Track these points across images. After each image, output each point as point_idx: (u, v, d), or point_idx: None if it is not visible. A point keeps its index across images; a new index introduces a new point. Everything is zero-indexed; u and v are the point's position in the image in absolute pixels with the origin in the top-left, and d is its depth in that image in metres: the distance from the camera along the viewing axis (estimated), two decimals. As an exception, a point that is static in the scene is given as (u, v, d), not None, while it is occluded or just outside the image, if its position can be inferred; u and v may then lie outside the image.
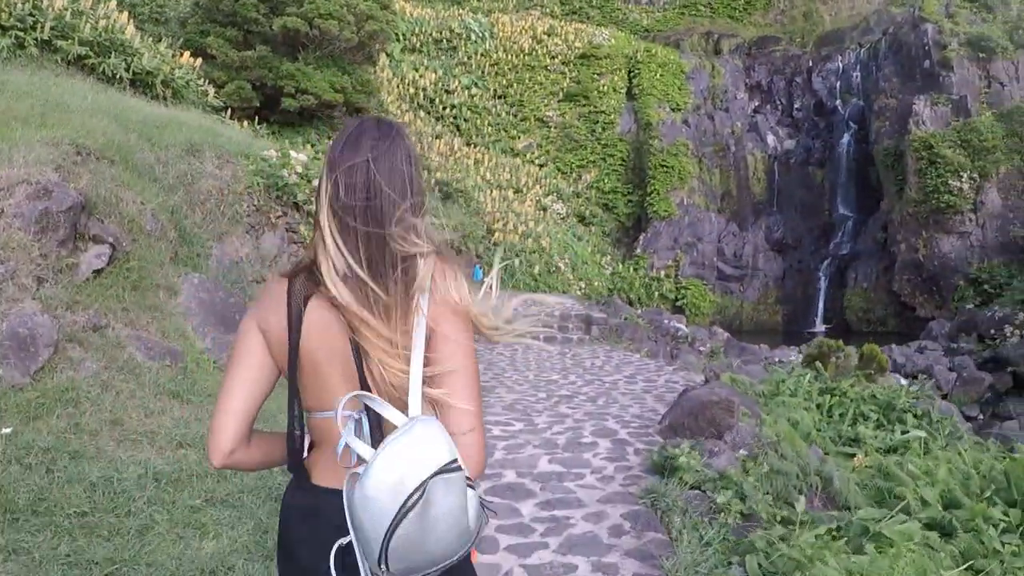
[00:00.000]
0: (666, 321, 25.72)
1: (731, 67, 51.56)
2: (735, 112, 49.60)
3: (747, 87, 51.38)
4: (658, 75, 48.80)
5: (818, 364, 15.74)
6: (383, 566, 1.90)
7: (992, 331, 28.02)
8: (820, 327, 42.14)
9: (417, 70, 46.94)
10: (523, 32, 50.78)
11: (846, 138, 46.64)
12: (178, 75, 19.93)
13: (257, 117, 26.80)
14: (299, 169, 15.41)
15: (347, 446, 2.01)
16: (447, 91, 46.86)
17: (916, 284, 39.08)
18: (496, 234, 35.99)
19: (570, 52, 49.64)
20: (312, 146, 30.52)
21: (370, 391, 2.07)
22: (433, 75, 46.93)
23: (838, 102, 48.49)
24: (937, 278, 38.24)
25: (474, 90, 47.64)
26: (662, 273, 42.51)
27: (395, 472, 1.88)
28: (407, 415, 2.02)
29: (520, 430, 10.13)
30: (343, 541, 1.99)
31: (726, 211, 47.07)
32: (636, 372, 16.44)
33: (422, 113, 44.93)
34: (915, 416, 13.49)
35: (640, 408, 12.08)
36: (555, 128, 47.52)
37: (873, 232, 43.22)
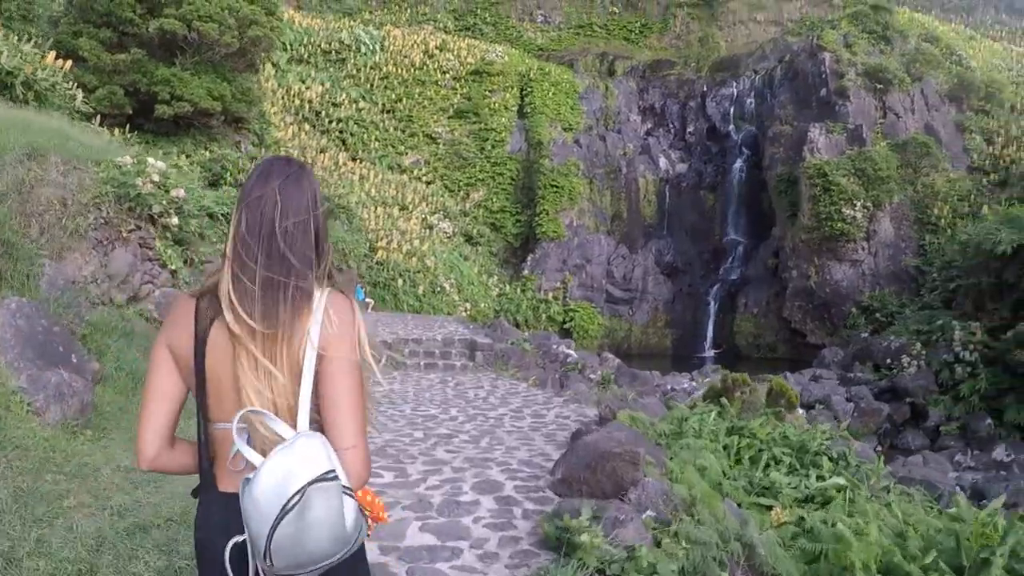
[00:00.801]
0: (554, 346, 24.39)
1: (625, 89, 50.97)
2: (628, 134, 48.93)
3: (640, 109, 50.84)
4: (551, 94, 47.82)
5: (723, 400, 14.52)
6: (267, 561, 2.17)
7: (888, 360, 27.41)
8: (709, 352, 41.57)
9: (304, 81, 45.21)
10: (415, 46, 49.36)
11: (738, 163, 46.34)
12: (41, 76, 17.91)
13: (129, 125, 25.27)
14: (156, 178, 13.68)
15: (238, 452, 2.32)
16: (334, 104, 45.10)
17: (807, 311, 38.68)
18: (379, 252, 34.48)
19: (462, 68, 48.40)
20: (188, 157, 28.66)
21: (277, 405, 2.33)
22: (320, 87, 45.21)
23: (731, 127, 48.26)
24: (828, 305, 37.89)
25: (362, 104, 45.94)
26: (550, 295, 41.31)
27: (279, 478, 2.14)
28: (295, 430, 2.30)
29: (390, 483, 8.60)
30: (238, 539, 2.28)
31: (616, 233, 46.23)
32: (523, 404, 15.06)
33: (307, 126, 43.11)
34: (831, 460, 12.36)
35: (528, 452, 10.70)
36: (444, 145, 46.08)
37: (764, 258, 42.84)
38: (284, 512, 2.11)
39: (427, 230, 39.92)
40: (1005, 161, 39.92)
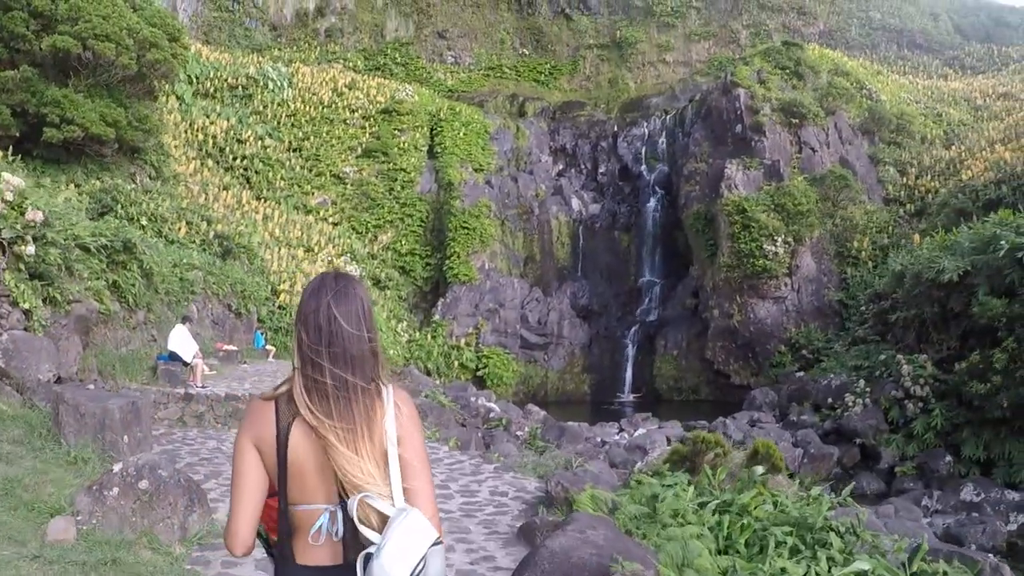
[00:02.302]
0: (474, 399, 21.05)
1: (536, 129, 48.15)
2: (539, 175, 45.93)
3: (551, 150, 48.06)
4: (461, 134, 44.64)
5: (706, 469, 11.21)
6: None
7: (830, 400, 24.47)
8: (628, 396, 38.38)
9: (208, 116, 41.32)
10: (324, 84, 45.95)
11: (652, 203, 43.75)
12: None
13: (14, 148, 22.21)
14: (9, 196, 10.30)
15: (320, 528, 2.70)
16: (239, 140, 41.23)
17: (730, 351, 35.82)
18: (282, 295, 30.62)
19: (371, 106, 45.01)
20: (77, 187, 24.82)
21: (345, 493, 2.68)
22: (226, 123, 41.36)
23: (643, 167, 45.77)
24: (752, 344, 35.10)
25: (268, 141, 42.13)
26: (462, 341, 37.69)
27: (402, 547, 2.53)
28: (389, 504, 2.66)
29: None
30: None
31: (529, 276, 43.04)
32: (449, 477, 11.73)
33: (211, 162, 39.17)
34: (839, 535, 9.09)
35: (467, 554, 7.64)
36: (352, 185, 42.36)
37: (683, 298, 40.03)
38: (414, 573, 2.50)
39: (333, 273, 36.07)
40: (920, 192, 38.13)
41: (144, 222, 25.56)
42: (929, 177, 38.39)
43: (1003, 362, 19.65)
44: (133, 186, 27.24)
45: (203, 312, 24.18)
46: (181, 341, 17.74)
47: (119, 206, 24.69)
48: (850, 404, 23.24)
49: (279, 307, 30.41)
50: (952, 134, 42.35)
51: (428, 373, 33.99)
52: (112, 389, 15.31)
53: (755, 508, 9.48)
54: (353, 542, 2.66)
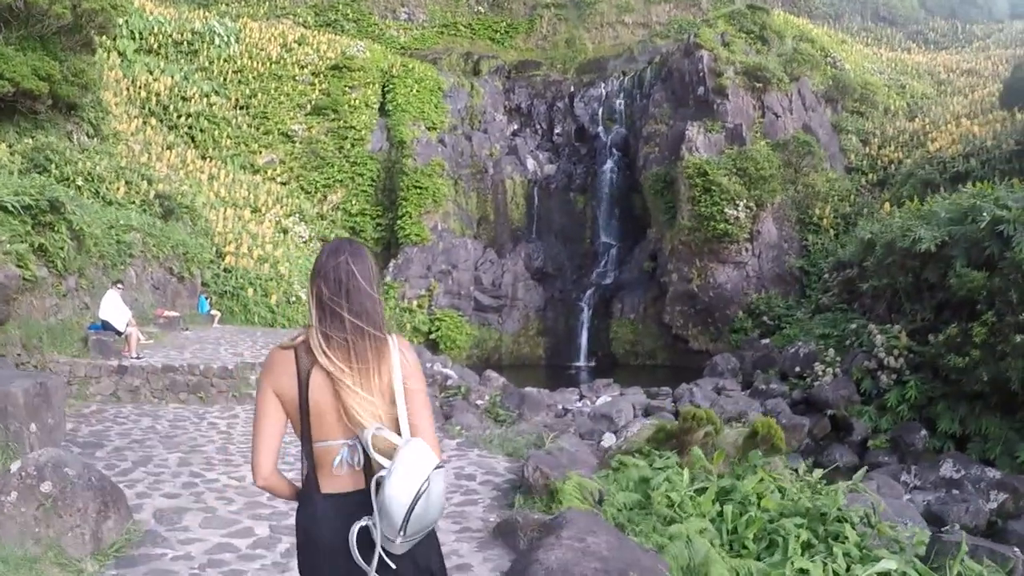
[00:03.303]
0: (429, 365, 19.62)
1: (491, 88, 46.50)
2: (494, 134, 44.38)
3: (506, 109, 46.45)
4: (414, 91, 42.83)
5: (696, 450, 10.09)
6: (402, 532, 2.82)
7: (798, 369, 23.49)
8: (584, 362, 37.27)
9: (152, 73, 39.02)
10: (272, 39, 43.70)
11: (609, 164, 42.44)
12: None
13: None
14: None
15: (341, 460, 3.02)
16: (184, 98, 38.96)
17: (689, 316, 34.73)
18: (228, 258, 29.07)
19: (321, 63, 42.92)
20: (9, 147, 23.01)
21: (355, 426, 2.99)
22: (170, 79, 39.03)
23: (600, 129, 44.40)
24: (712, 309, 34.04)
25: (214, 98, 39.96)
26: (414, 303, 36.30)
27: (408, 471, 2.83)
28: (400, 436, 2.98)
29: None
30: (361, 523, 2.91)
31: (483, 237, 41.58)
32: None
33: (153, 121, 36.93)
34: (852, 526, 8.09)
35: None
36: (300, 143, 40.44)
37: (640, 261, 38.88)
38: (419, 495, 2.80)
39: (281, 234, 34.46)
40: (883, 162, 37.33)
41: (80, 182, 23.82)
42: (892, 148, 37.58)
43: (982, 336, 18.82)
44: (69, 144, 25.47)
45: (142, 276, 22.57)
46: (113, 308, 16.17)
47: (53, 165, 22.99)
48: (820, 373, 22.25)
49: (224, 270, 28.82)
50: (915, 106, 41.53)
51: (378, 336, 32.64)
52: (39, 364, 13.84)
53: (762, 498, 8.40)
54: (371, 470, 2.96)
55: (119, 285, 17.17)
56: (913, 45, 54.15)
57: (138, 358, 15.41)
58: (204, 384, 14.86)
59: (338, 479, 3.03)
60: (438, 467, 2.91)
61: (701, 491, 8.73)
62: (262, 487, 3.16)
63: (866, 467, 13.55)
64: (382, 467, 2.90)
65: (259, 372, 3.50)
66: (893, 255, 23.17)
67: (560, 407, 21.20)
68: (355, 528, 2.90)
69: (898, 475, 17.53)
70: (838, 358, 22.72)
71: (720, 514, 8.19)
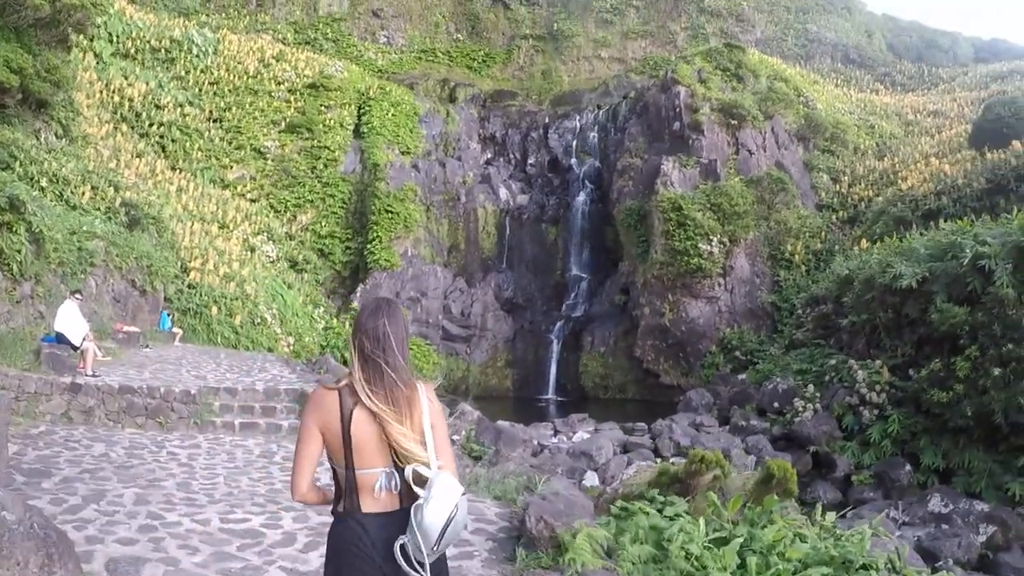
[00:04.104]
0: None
1: (466, 116, 45.54)
2: (468, 162, 43.35)
3: (481, 138, 45.48)
4: (390, 114, 41.71)
5: (712, 496, 8.99)
6: (436, 548, 3.29)
7: (776, 404, 22.58)
8: (553, 395, 36.07)
9: (127, 78, 37.41)
10: (250, 53, 42.33)
11: (582, 196, 41.51)
12: None
13: None
14: None
15: (381, 486, 3.45)
16: (157, 106, 37.37)
17: (661, 350, 33.62)
18: (193, 273, 27.56)
19: (299, 80, 41.64)
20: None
21: (396, 459, 3.44)
22: (144, 86, 37.41)
23: (574, 160, 43.53)
24: (684, 344, 32.96)
25: (188, 108, 38.45)
26: (381, 330, 34.90)
27: (442, 497, 3.30)
28: (430, 468, 3.42)
29: None
30: (402, 539, 3.34)
31: (453, 265, 40.44)
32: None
33: (125, 127, 35.34)
34: (877, 572, 7.09)
35: None
36: (272, 160, 39.03)
37: (611, 294, 37.86)
38: (451, 519, 3.28)
39: (248, 252, 33.02)
40: (853, 199, 36.77)
41: (44, 183, 22.39)
42: (863, 186, 37.10)
43: (966, 370, 18.35)
44: (36, 143, 24.01)
45: (103, 287, 21.15)
46: (69, 320, 14.76)
47: (17, 163, 21.56)
48: (800, 409, 21.35)
49: (189, 286, 27.36)
50: (884, 146, 41.13)
51: (345, 363, 31.16)
52: (-17, 375, 12.47)
53: (787, 548, 7.32)
54: (407, 494, 3.42)
55: (77, 295, 15.73)
56: (881, 87, 53.99)
57: (94, 376, 14.02)
58: (164, 408, 13.46)
59: (378, 500, 3.45)
60: (463, 495, 3.40)
61: (719, 541, 7.65)
62: (298, 501, 3.62)
63: (884, 512, 12.57)
64: (417, 494, 3.35)
65: (304, 407, 3.63)
66: (873, 291, 22.62)
67: (536, 443, 20.00)
68: (398, 544, 3.34)
69: (884, 511, 16.72)
70: (817, 394, 21.88)
71: (741, 566, 7.13)
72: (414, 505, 3.33)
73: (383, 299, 3.70)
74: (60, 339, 14.59)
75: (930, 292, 20.28)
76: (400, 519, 3.40)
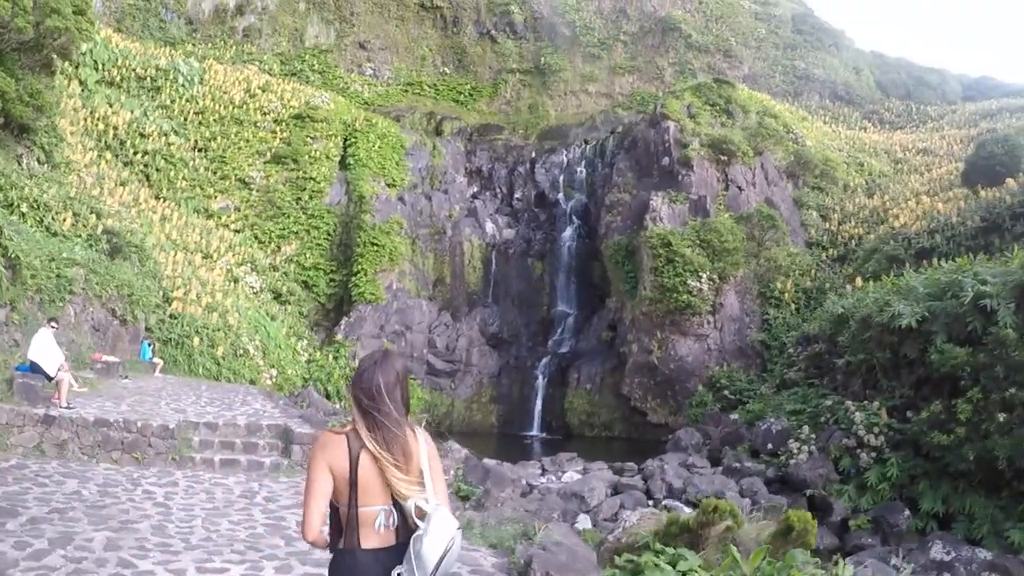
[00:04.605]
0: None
1: (452, 149, 45.13)
2: (454, 195, 42.83)
3: (467, 171, 45.05)
4: (376, 146, 41.20)
5: (733, 550, 8.36)
6: None
7: (770, 445, 21.98)
8: (537, 431, 35.34)
9: (112, 105, 36.75)
10: (236, 83, 41.82)
11: (569, 232, 41.06)
12: None
13: None
14: None
15: (382, 524, 3.65)
16: (142, 134, 36.68)
17: (648, 388, 32.97)
18: (175, 304, 26.83)
19: (284, 111, 41.12)
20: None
21: (395, 498, 3.66)
22: (129, 114, 36.74)
23: (560, 195, 43.10)
24: (672, 382, 32.34)
25: (173, 138, 37.78)
26: (365, 364, 34.04)
27: (439, 531, 3.52)
28: (429, 504, 3.64)
29: None
30: (399, 569, 3.58)
31: (438, 299, 39.76)
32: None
33: (109, 155, 34.71)
34: None
35: None
36: (257, 191, 38.38)
37: (598, 331, 37.26)
38: (447, 550, 3.52)
39: (232, 283, 32.34)
40: (843, 237, 36.34)
41: (24, 208, 21.72)
42: (853, 224, 36.71)
43: (967, 413, 17.80)
44: (16, 168, 23.35)
45: (82, 316, 20.41)
46: (44, 349, 14.02)
47: None
48: (795, 451, 20.72)
49: (171, 316, 26.62)
50: (874, 184, 40.76)
51: (328, 396, 30.57)
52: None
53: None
54: (403, 530, 3.65)
55: (53, 324, 14.98)
56: (869, 124, 53.82)
57: (68, 407, 13.28)
58: (141, 443, 12.73)
59: (376, 536, 3.63)
60: (459, 528, 3.64)
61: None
62: (311, 542, 3.71)
63: (849, 551, 11.93)
64: (416, 528, 3.60)
65: (312, 449, 3.82)
66: (870, 330, 22.12)
67: (524, 482, 19.30)
68: (395, 573, 3.58)
69: (886, 558, 16.21)
70: (813, 435, 21.28)
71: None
72: (413, 536, 3.57)
73: (378, 351, 3.96)
74: (34, 368, 13.85)
75: (929, 332, 19.89)
76: (396, 553, 3.64)
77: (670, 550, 8.69)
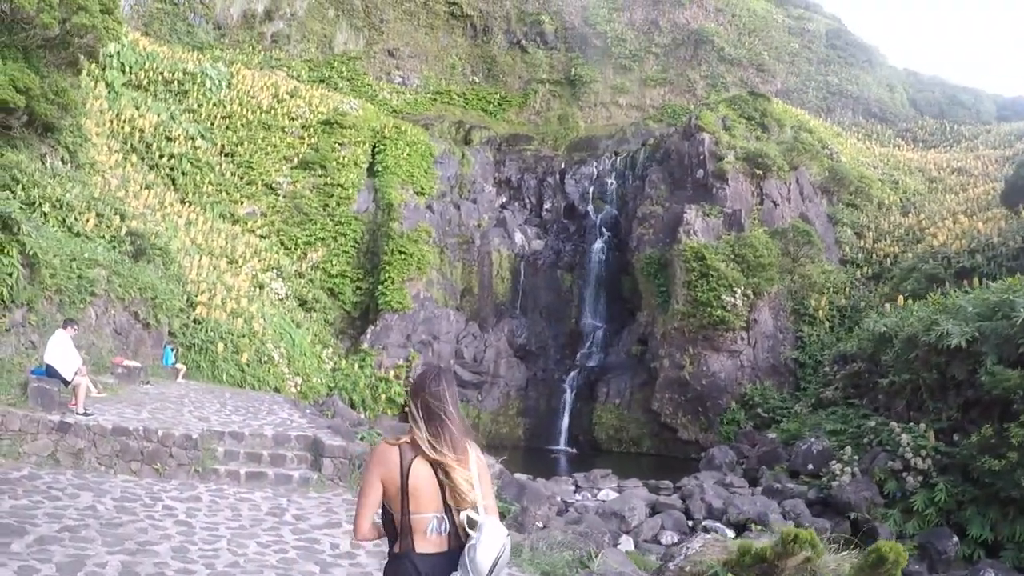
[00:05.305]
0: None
1: (481, 158, 44.40)
2: (483, 205, 42.08)
3: (496, 181, 44.30)
4: (405, 154, 40.53)
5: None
6: None
7: (811, 466, 21.02)
8: (564, 446, 34.38)
9: (138, 108, 36.19)
10: (264, 88, 41.28)
11: (599, 244, 40.17)
12: None
13: None
14: None
15: (434, 529, 3.78)
16: (168, 138, 36.14)
17: (679, 404, 32.01)
18: (199, 308, 26.13)
19: (313, 117, 40.50)
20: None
21: (449, 505, 3.79)
22: (155, 117, 36.15)
23: (590, 207, 42.26)
24: (704, 398, 31.40)
25: (199, 142, 37.24)
26: (391, 373, 33.24)
27: (492, 538, 3.67)
28: (479, 513, 3.77)
29: None
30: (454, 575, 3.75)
31: (466, 309, 38.94)
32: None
33: (135, 157, 34.11)
34: None
35: None
36: (284, 197, 37.73)
37: (627, 345, 36.30)
38: (499, 555, 3.67)
39: (257, 289, 31.64)
40: (879, 255, 35.34)
41: (47, 208, 21.03)
42: (888, 242, 35.77)
43: (1020, 437, 16.78)
44: (40, 167, 22.68)
45: (103, 319, 19.69)
46: (60, 352, 13.22)
47: (19, 186, 20.22)
48: (837, 472, 19.74)
49: (195, 321, 25.90)
50: (908, 202, 39.77)
51: (353, 406, 29.74)
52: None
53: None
54: (454, 536, 3.79)
55: (71, 325, 14.15)
56: (902, 142, 52.76)
57: (85, 414, 12.51)
58: (161, 453, 11.93)
59: (429, 542, 3.78)
60: (508, 535, 3.80)
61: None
62: (359, 540, 4.06)
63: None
64: (468, 535, 3.74)
65: (368, 459, 4.03)
66: (916, 349, 21.08)
67: (559, 499, 18.43)
68: None
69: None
70: (856, 457, 20.26)
71: None
72: (468, 544, 3.70)
73: (436, 366, 4.35)
74: (50, 372, 13.08)
75: (979, 353, 18.91)
76: (447, 559, 3.76)
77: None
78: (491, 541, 3.67)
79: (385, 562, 3.94)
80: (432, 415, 3.84)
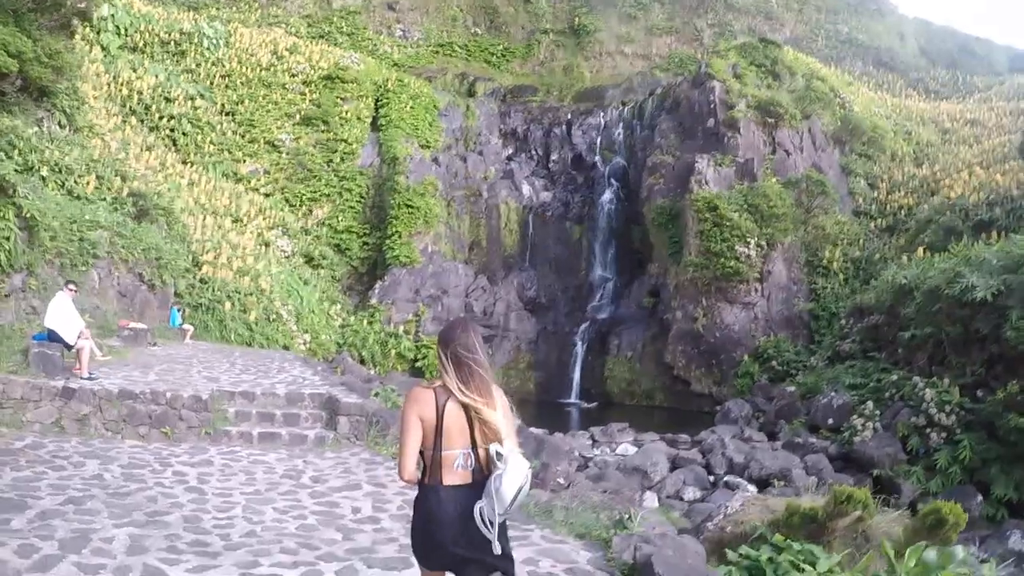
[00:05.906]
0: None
1: (486, 110, 43.57)
2: (489, 157, 41.37)
3: (502, 133, 43.47)
4: (408, 107, 39.74)
5: (886, 545, 7.03)
6: (508, 511, 3.97)
7: (831, 421, 20.55)
8: (576, 399, 33.96)
9: (135, 70, 35.53)
10: (263, 46, 40.45)
11: (608, 195, 39.49)
12: None
13: None
14: None
15: (459, 464, 4.09)
16: (167, 99, 35.47)
17: (692, 356, 31.48)
18: (205, 267, 25.64)
19: (313, 72, 39.69)
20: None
21: (477, 441, 4.10)
22: (153, 79, 35.47)
23: (598, 158, 41.47)
24: (717, 351, 30.88)
25: (199, 102, 36.52)
26: (400, 328, 32.76)
27: (516, 470, 3.95)
28: (504, 447, 4.05)
29: None
30: (480, 504, 3.99)
31: (475, 263, 38.40)
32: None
33: (134, 120, 33.51)
34: None
35: None
36: (287, 154, 37.05)
37: (638, 297, 35.80)
38: (521, 486, 3.94)
39: (263, 247, 31.16)
40: (892, 207, 34.57)
41: (45, 172, 20.44)
42: (902, 193, 35.00)
43: None
44: (37, 132, 22.06)
45: (107, 281, 19.21)
46: (61, 314, 12.71)
47: (16, 151, 19.63)
48: (859, 428, 19.25)
49: (201, 280, 25.44)
50: (921, 153, 38.96)
51: (362, 362, 29.38)
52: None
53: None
54: (477, 471, 4.10)
55: (71, 287, 13.54)
56: (914, 92, 51.72)
57: (90, 378, 12.05)
58: (170, 416, 11.47)
59: (455, 475, 4.08)
60: (531, 467, 4.07)
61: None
62: (407, 481, 4.17)
63: None
64: (485, 472, 4.09)
65: (404, 402, 4.21)
66: (938, 302, 20.39)
67: (578, 454, 18.02)
68: (477, 506, 4.01)
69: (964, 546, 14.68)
70: (877, 412, 19.73)
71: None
72: (493, 475, 4.00)
73: (462, 318, 4.78)
74: (52, 337, 12.58)
75: (1005, 307, 18.32)
76: (473, 490, 4.06)
77: (796, 544, 7.41)
78: (515, 472, 3.95)
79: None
80: (461, 363, 4.11)
